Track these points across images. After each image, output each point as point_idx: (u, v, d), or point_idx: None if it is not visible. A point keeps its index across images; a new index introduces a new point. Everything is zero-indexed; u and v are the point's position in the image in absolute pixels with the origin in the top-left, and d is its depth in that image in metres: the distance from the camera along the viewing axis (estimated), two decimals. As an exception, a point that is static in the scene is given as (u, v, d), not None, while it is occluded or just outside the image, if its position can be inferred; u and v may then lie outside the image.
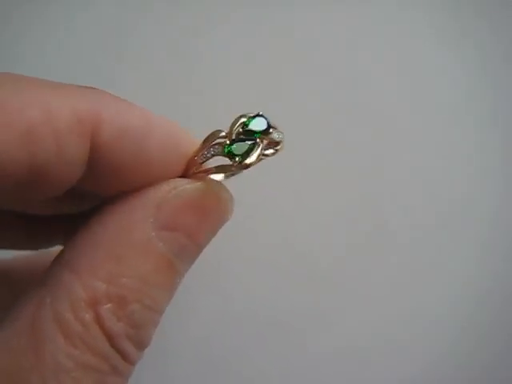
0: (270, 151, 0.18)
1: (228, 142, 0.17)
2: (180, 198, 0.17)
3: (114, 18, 0.34)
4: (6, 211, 0.21)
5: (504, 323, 0.33)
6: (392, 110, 0.34)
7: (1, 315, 0.16)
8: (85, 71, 0.34)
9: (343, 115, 0.34)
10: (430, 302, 0.33)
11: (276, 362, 0.32)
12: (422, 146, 0.34)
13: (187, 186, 0.17)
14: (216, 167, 0.18)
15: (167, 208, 0.17)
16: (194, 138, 0.18)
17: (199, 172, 0.18)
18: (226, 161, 0.17)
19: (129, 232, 0.16)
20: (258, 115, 0.17)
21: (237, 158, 0.17)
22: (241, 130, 0.17)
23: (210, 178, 0.18)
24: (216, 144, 0.17)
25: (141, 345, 0.16)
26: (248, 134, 0.17)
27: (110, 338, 0.15)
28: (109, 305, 0.15)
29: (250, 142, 0.17)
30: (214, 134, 0.17)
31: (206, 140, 0.17)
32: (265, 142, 0.17)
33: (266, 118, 0.17)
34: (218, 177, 0.18)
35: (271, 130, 0.17)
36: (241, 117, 0.17)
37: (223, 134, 0.17)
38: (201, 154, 0.17)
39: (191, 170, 0.18)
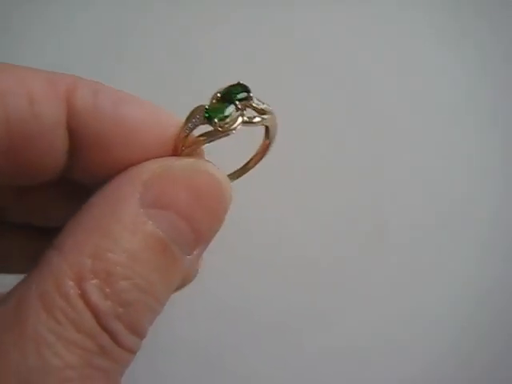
0: (257, 119, 0.18)
1: (207, 107, 0.17)
2: (167, 175, 0.16)
3: (114, 18, 0.34)
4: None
5: (504, 323, 0.33)
6: (392, 109, 0.34)
7: None
8: (85, 71, 0.34)
9: (343, 115, 0.34)
10: (430, 302, 0.33)
11: (275, 362, 0.32)
12: (422, 146, 0.34)
13: (175, 162, 0.17)
14: (200, 135, 0.17)
15: (154, 184, 0.16)
16: (179, 118, 0.18)
17: (187, 147, 0.18)
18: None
19: (115, 208, 0.16)
20: (237, 83, 0.17)
21: (216, 120, 0.17)
22: (219, 95, 0.17)
23: (199, 158, 0.18)
24: (197, 115, 0.17)
25: (133, 328, 0.15)
26: (227, 100, 0.17)
27: (97, 315, 0.14)
28: (95, 280, 0.15)
29: (228, 106, 0.17)
30: (198, 109, 0.17)
31: (190, 115, 0.17)
32: (247, 108, 0.17)
33: (245, 86, 0.17)
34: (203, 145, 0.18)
35: (251, 95, 0.17)
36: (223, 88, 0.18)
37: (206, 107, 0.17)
38: (184, 127, 0.17)
39: (179, 148, 0.18)
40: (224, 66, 0.34)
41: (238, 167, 0.20)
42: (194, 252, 0.17)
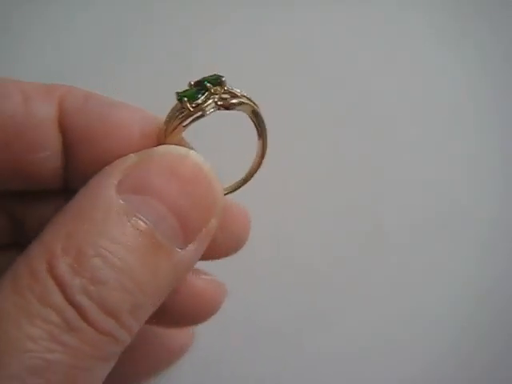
0: (233, 101, 0.18)
1: (179, 91, 0.18)
2: (145, 161, 0.17)
3: (114, 18, 0.34)
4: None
5: (504, 323, 0.33)
6: (392, 110, 0.34)
7: None
8: (85, 71, 0.34)
9: (343, 115, 0.34)
10: (430, 302, 0.33)
11: (275, 362, 0.32)
12: (422, 146, 0.34)
13: (154, 148, 0.17)
14: (175, 118, 0.18)
15: (132, 171, 0.16)
16: (162, 117, 0.18)
17: (168, 137, 0.18)
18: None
19: (91, 196, 0.16)
20: (213, 74, 0.18)
21: (185, 99, 0.17)
22: (192, 82, 0.18)
23: (180, 145, 0.18)
24: (174, 107, 0.18)
25: (105, 307, 0.15)
26: (200, 85, 0.18)
27: (63, 290, 0.14)
28: (65, 257, 0.15)
29: (200, 89, 0.18)
30: (177, 105, 0.18)
31: (171, 110, 0.18)
32: (219, 93, 0.18)
33: (220, 75, 0.18)
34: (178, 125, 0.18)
35: (224, 80, 0.18)
36: None
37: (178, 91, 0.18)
38: (164, 121, 0.18)
39: (161, 141, 0.18)
40: (224, 65, 0.34)
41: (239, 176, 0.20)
42: (189, 246, 0.17)
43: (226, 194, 0.19)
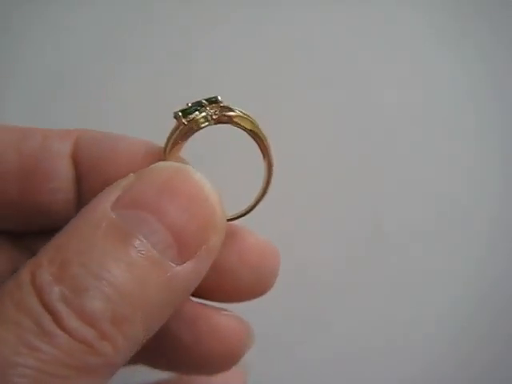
0: (230, 113, 0.19)
1: (176, 110, 0.19)
2: (143, 177, 0.17)
3: (114, 18, 0.34)
4: None
5: (504, 323, 0.33)
6: (392, 110, 0.34)
7: None
8: (85, 71, 0.34)
9: (343, 115, 0.34)
10: (430, 302, 0.33)
11: (275, 362, 0.32)
12: (422, 146, 0.34)
13: (152, 165, 0.17)
14: (172, 136, 0.19)
15: (130, 188, 0.16)
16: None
17: (167, 155, 0.19)
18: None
19: (86, 212, 0.16)
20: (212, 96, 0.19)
21: (179, 113, 0.18)
22: (190, 104, 0.19)
23: (175, 161, 0.19)
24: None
25: (82, 314, 0.14)
26: (197, 104, 0.19)
27: (41, 297, 0.14)
28: (49, 267, 0.15)
29: (195, 106, 0.19)
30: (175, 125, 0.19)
31: (170, 131, 0.19)
32: (215, 109, 0.19)
33: (217, 96, 0.19)
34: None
35: (219, 97, 0.19)
36: None
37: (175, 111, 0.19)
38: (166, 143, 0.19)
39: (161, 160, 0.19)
40: (224, 66, 0.34)
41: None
42: (187, 263, 0.16)
43: (230, 220, 0.19)
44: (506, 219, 0.34)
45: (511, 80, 0.35)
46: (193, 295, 0.21)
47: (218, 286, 0.21)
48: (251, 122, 0.19)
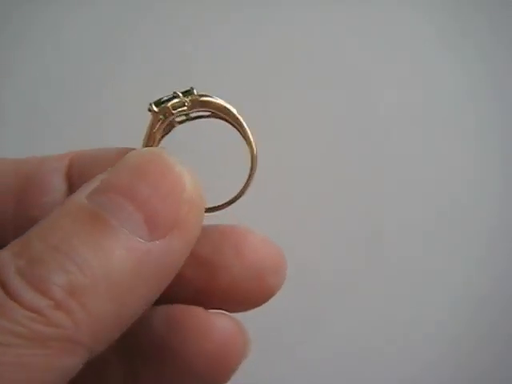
0: (203, 98, 0.19)
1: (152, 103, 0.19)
2: (117, 165, 0.17)
3: (114, 18, 0.34)
4: None
5: (504, 324, 0.33)
6: (392, 110, 0.34)
7: None
8: (85, 71, 0.34)
9: (343, 115, 0.34)
10: (430, 302, 0.33)
11: (275, 362, 0.32)
12: (422, 146, 0.34)
13: (125, 155, 0.17)
14: (148, 128, 0.19)
15: (105, 178, 0.16)
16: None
17: (144, 144, 0.19)
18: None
19: (62, 205, 0.16)
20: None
21: (152, 104, 0.18)
22: (166, 97, 0.19)
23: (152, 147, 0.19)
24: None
25: (36, 284, 0.14)
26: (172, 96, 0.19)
27: None
28: (12, 247, 0.15)
29: (168, 97, 0.19)
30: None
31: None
32: (190, 101, 0.18)
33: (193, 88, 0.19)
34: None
35: (193, 88, 0.19)
36: None
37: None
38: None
39: None
40: (224, 66, 0.34)
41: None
42: (160, 240, 0.16)
43: (211, 210, 0.19)
44: (506, 219, 0.34)
45: (511, 80, 0.35)
46: (190, 302, 0.20)
47: (215, 287, 0.20)
48: (226, 108, 0.19)
